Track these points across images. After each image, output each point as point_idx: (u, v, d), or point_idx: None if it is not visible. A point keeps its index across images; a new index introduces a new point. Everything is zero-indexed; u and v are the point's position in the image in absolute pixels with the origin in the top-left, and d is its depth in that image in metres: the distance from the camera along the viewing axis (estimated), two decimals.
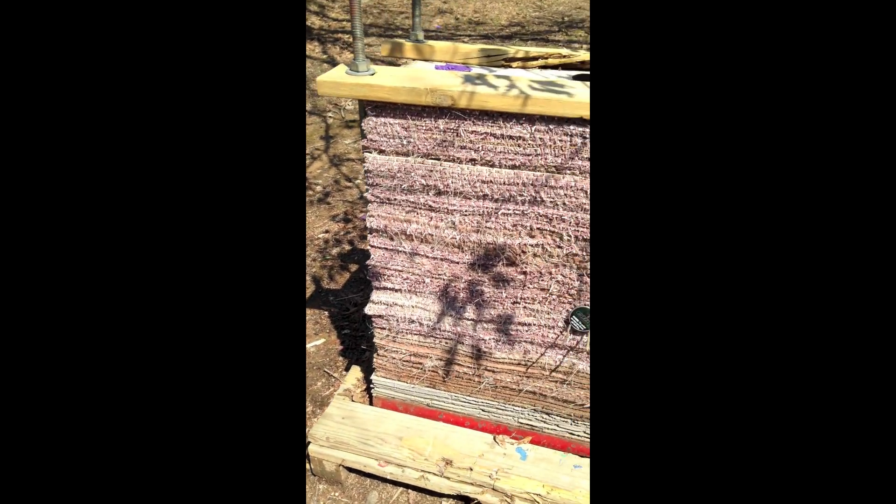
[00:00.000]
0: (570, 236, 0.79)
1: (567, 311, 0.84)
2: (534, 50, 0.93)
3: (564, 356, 0.87)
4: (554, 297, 0.84)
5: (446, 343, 0.93)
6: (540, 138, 0.74)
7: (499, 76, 0.80)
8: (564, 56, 0.91)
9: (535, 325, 0.87)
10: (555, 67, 0.92)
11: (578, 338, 0.85)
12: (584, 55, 0.91)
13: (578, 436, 0.93)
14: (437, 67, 0.94)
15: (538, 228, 0.80)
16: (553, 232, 0.79)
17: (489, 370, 0.93)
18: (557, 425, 0.94)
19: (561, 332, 0.86)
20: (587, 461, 0.92)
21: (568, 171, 0.75)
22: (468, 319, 0.90)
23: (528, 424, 0.96)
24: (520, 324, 0.88)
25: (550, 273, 0.82)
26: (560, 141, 0.73)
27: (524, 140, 0.75)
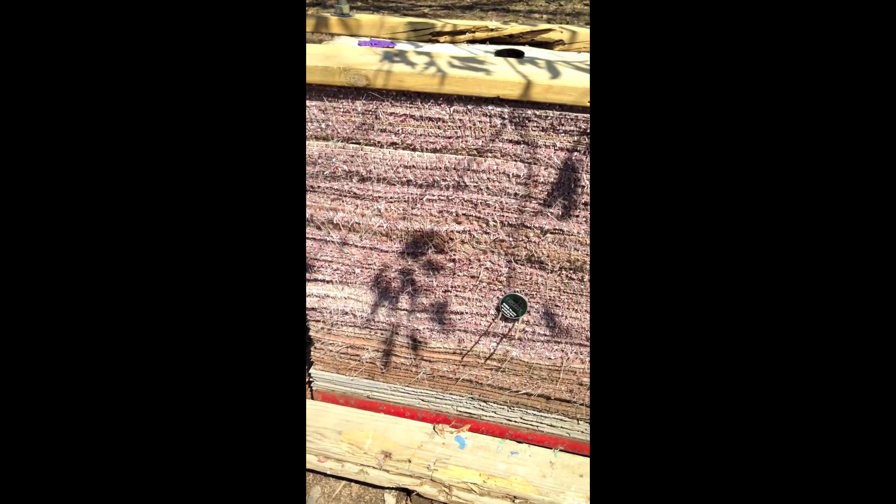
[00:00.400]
0: (495, 222, 0.76)
1: (497, 298, 0.81)
2: (462, 23, 0.88)
3: (498, 344, 0.85)
4: (484, 284, 0.81)
5: (381, 334, 0.90)
6: (459, 119, 0.70)
7: (420, 52, 0.75)
8: (493, 29, 0.86)
9: (467, 313, 0.84)
10: (483, 42, 0.87)
11: (510, 325, 0.83)
12: (513, 28, 0.86)
13: (515, 422, 0.92)
14: (360, 43, 0.88)
15: (464, 214, 0.76)
16: (479, 218, 0.76)
17: (426, 360, 0.91)
18: (495, 412, 0.92)
19: (493, 320, 0.83)
20: (524, 447, 0.91)
21: (490, 154, 0.72)
22: (402, 309, 0.87)
23: (466, 412, 0.94)
24: (452, 312, 0.85)
25: (479, 260, 0.79)
26: (479, 122, 0.70)
27: (443, 122, 0.71)
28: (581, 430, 0.88)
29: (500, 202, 0.74)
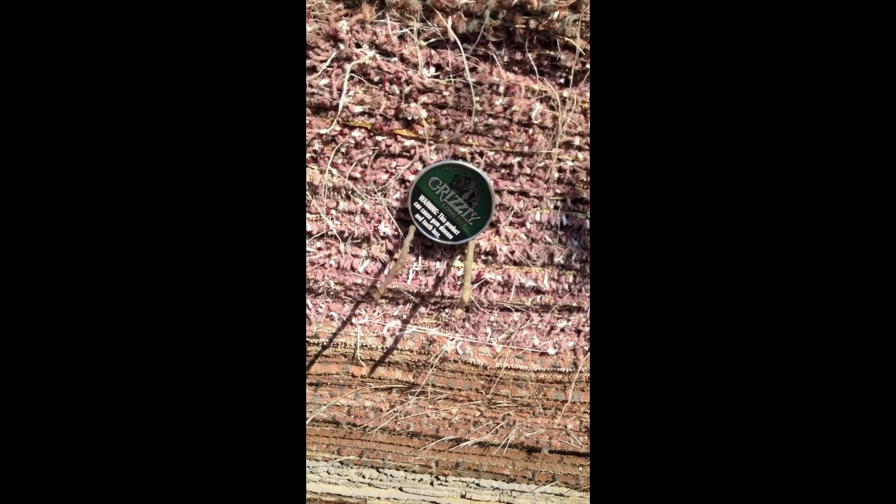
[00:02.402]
0: None
1: (404, 189, 0.29)
2: None
3: (405, 323, 0.33)
4: (366, 145, 0.28)
5: None
6: None
7: None
8: None
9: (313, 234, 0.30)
10: None
11: (453, 266, 0.31)
12: None
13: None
14: None
15: None
16: None
17: None
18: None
19: (393, 254, 0.30)
20: None
21: None
22: None
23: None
24: None
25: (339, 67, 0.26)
26: None
27: None
28: None
29: None
